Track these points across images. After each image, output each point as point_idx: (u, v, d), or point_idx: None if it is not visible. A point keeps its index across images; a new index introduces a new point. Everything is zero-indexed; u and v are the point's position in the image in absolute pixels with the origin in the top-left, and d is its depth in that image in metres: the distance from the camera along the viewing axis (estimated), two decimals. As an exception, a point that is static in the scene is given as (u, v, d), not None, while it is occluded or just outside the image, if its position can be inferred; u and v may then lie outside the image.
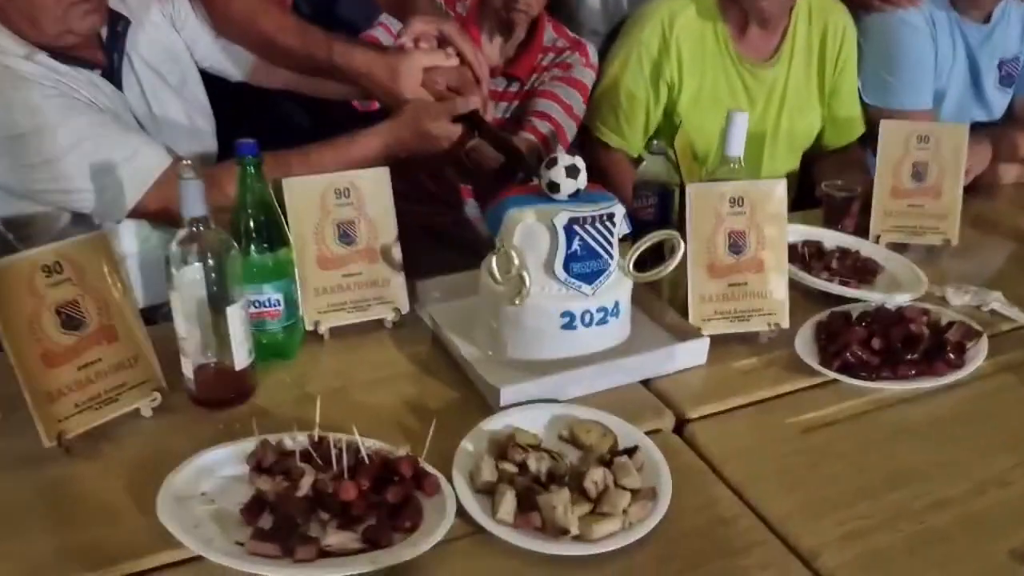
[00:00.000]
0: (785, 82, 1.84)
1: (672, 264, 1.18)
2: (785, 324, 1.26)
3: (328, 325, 1.26)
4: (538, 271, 1.15)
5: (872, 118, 1.86)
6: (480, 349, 1.22)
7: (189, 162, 1.01)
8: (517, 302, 1.13)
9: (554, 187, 1.14)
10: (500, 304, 1.16)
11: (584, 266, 1.15)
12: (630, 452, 0.99)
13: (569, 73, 1.84)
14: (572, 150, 1.15)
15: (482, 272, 1.16)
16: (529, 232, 1.14)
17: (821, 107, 1.89)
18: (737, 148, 1.29)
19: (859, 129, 1.92)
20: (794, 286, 1.32)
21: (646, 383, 1.18)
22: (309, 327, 1.25)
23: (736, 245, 1.24)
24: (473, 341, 1.24)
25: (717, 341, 1.23)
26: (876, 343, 1.21)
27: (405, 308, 1.29)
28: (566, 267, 1.14)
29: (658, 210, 1.40)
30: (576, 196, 1.16)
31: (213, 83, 1.61)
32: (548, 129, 1.78)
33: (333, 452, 0.95)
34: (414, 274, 1.34)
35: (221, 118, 1.60)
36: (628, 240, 1.21)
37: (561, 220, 1.12)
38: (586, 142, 1.88)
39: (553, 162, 1.14)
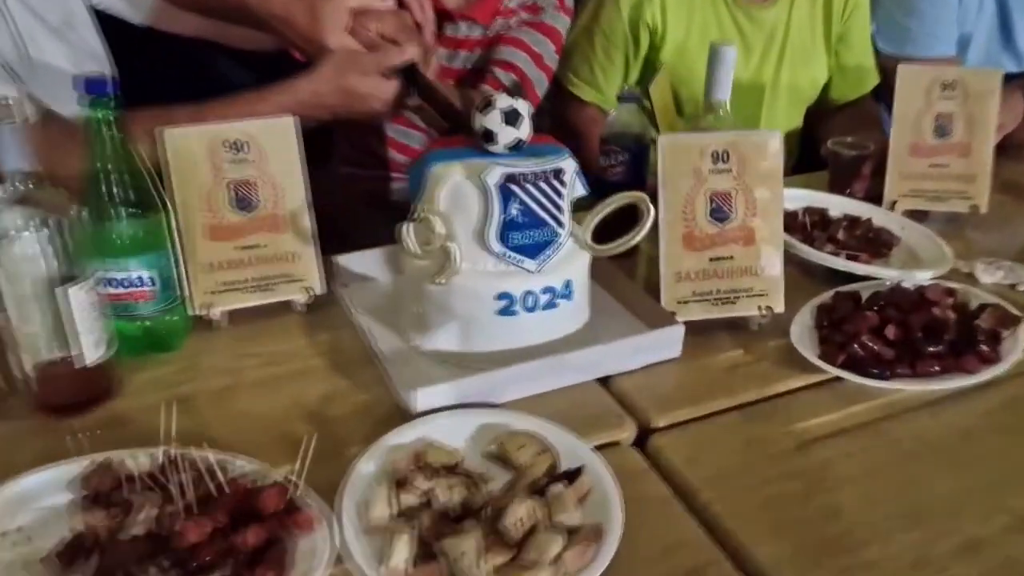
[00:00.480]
0: (786, 26, 1.59)
1: (638, 234, 0.95)
2: (779, 308, 1.03)
3: (222, 309, 1.03)
4: (468, 242, 0.92)
5: (887, 68, 1.61)
6: (403, 339, 1.00)
7: (7, 101, 0.79)
8: (440, 281, 0.90)
9: (489, 136, 0.91)
10: (422, 284, 0.93)
11: (525, 236, 0.92)
12: (571, 476, 0.77)
13: (539, 18, 1.59)
14: (513, 97, 0.92)
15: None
16: (456, 192, 0.91)
17: (828, 55, 1.64)
18: (723, 91, 1.06)
19: (872, 80, 1.68)
20: (791, 261, 1.09)
21: (606, 383, 0.95)
22: (198, 311, 1.02)
23: (720, 211, 1.01)
24: (397, 329, 1.01)
25: (696, 329, 1.00)
26: (891, 332, 0.98)
27: (319, 288, 1.07)
28: (502, 237, 0.91)
29: (629, 169, 1.16)
30: (518, 149, 0.92)
31: (123, 31, 1.37)
32: (512, 81, 1.54)
33: (182, 477, 0.73)
34: (361, 248, 1.13)
35: (131, 71, 1.36)
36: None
37: (494, 177, 0.89)
38: (558, 97, 1.64)
39: (487, 105, 0.91)
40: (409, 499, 0.74)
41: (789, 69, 1.62)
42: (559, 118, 1.63)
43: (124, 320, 0.95)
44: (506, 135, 0.91)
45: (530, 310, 0.93)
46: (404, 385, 0.87)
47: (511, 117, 0.90)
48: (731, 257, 1.02)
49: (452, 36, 1.58)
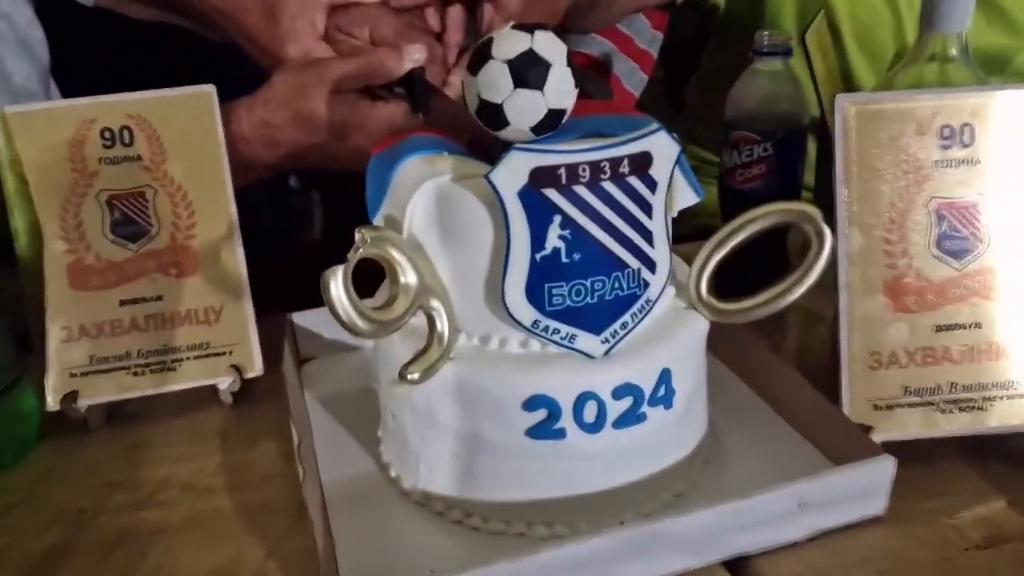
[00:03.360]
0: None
1: (804, 282, 0.50)
2: (1073, 419, 0.55)
3: (92, 401, 0.63)
4: (469, 300, 0.48)
5: None
6: (378, 465, 0.57)
7: None
8: (413, 376, 0.47)
9: (492, 115, 0.47)
10: (390, 379, 0.50)
11: (580, 290, 0.47)
12: None
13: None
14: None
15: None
16: (443, 209, 0.47)
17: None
18: (957, 18, 0.57)
19: None
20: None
21: (739, 571, 0.49)
22: (52, 405, 0.62)
23: (956, 236, 0.54)
24: (371, 445, 0.59)
25: (910, 456, 0.53)
26: None
27: (256, 367, 0.65)
28: (535, 292, 0.47)
29: (775, 169, 0.70)
30: (552, 128, 0.48)
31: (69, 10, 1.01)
32: (604, 52, 1.11)
33: None
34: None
35: (77, 58, 0.99)
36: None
37: (513, 177, 0.45)
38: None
39: (483, 53, 0.47)
40: None
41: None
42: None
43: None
44: (523, 106, 0.46)
45: (591, 429, 0.48)
46: (345, 566, 0.44)
47: (526, 69, 0.46)
48: (977, 325, 0.55)
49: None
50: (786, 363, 0.60)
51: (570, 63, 0.48)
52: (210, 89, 0.63)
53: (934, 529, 0.52)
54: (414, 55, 0.70)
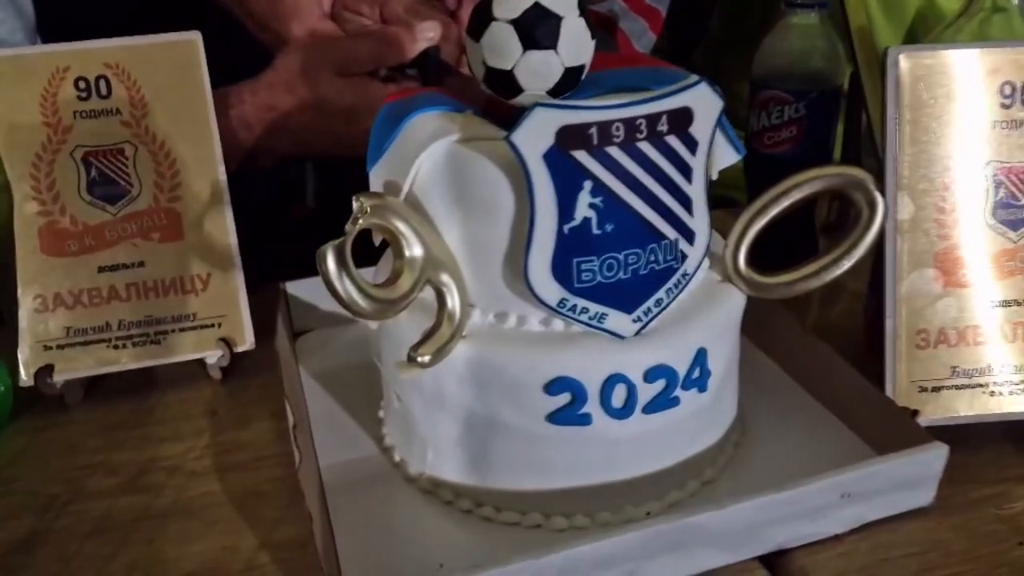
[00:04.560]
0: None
1: (856, 252, 0.46)
2: None
3: (69, 376, 0.58)
4: (485, 275, 0.43)
5: None
6: (382, 449, 0.53)
7: None
8: (423, 358, 0.42)
9: (502, 82, 0.42)
10: (396, 360, 0.45)
11: (612, 265, 0.42)
12: None
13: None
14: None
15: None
16: (454, 174, 0.42)
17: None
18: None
19: None
20: None
21: (775, 566, 0.46)
22: (26, 380, 0.58)
23: (1014, 203, 0.50)
24: (374, 426, 0.54)
25: (956, 441, 0.48)
26: None
27: (247, 340, 0.61)
28: (562, 268, 0.42)
29: (807, 132, 0.65)
30: (571, 87, 0.43)
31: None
32: (611, 9, 1.05)
33: None
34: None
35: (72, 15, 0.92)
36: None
37: (534, 139, 0.40)
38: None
39: (484, 14, 0.41)
40: None
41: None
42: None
43: None
44: (537, 70, 0.41)
45: (620, 414, 0.44)
46: (346, 558, 0.40)
47: (534, 27, 0.40)
48: (1031, 300, 0.51)
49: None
50: (820, 341, 0.56)
51: (583, 12, 0.42)
52: (195, 36, 0.58)
53: (984, 521, 0.48)
54: (428, 34, 0.65)
